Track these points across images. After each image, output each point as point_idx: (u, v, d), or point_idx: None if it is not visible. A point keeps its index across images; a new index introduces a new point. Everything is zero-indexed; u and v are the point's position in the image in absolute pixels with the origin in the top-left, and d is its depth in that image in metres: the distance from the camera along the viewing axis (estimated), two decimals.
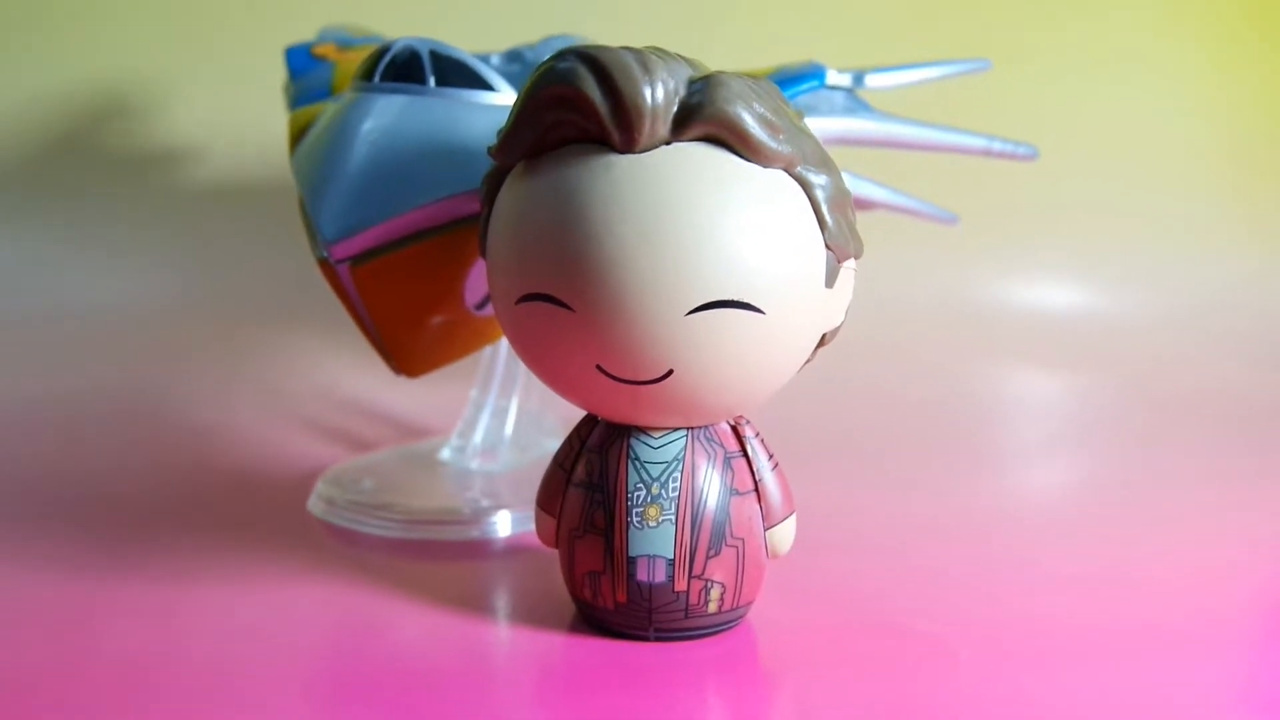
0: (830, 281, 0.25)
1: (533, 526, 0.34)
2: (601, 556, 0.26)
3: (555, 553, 0.29)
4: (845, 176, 0.36)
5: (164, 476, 0.40)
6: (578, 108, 0.24)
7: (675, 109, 0.24)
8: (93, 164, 0.59)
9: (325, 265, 0.31)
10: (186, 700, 0.25)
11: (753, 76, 0.29)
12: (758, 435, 0.28)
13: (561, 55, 0.24)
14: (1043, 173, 0.57)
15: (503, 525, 0.35)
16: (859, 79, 0.36)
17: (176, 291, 0.56)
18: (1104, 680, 0.26)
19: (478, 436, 0.38)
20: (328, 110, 0.33)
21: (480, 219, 0.27)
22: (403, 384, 0.51)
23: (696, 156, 0.24)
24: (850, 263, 0.26)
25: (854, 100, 0.36)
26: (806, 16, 0.63)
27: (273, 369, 0.52)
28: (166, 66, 0.60)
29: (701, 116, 0.24)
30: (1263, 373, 0.58)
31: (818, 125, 0.35)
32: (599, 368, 0.25)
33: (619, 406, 0.26)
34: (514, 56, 0.40)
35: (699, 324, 0.24)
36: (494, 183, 0.27)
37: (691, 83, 0.24)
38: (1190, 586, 0.33)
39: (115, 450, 0.43)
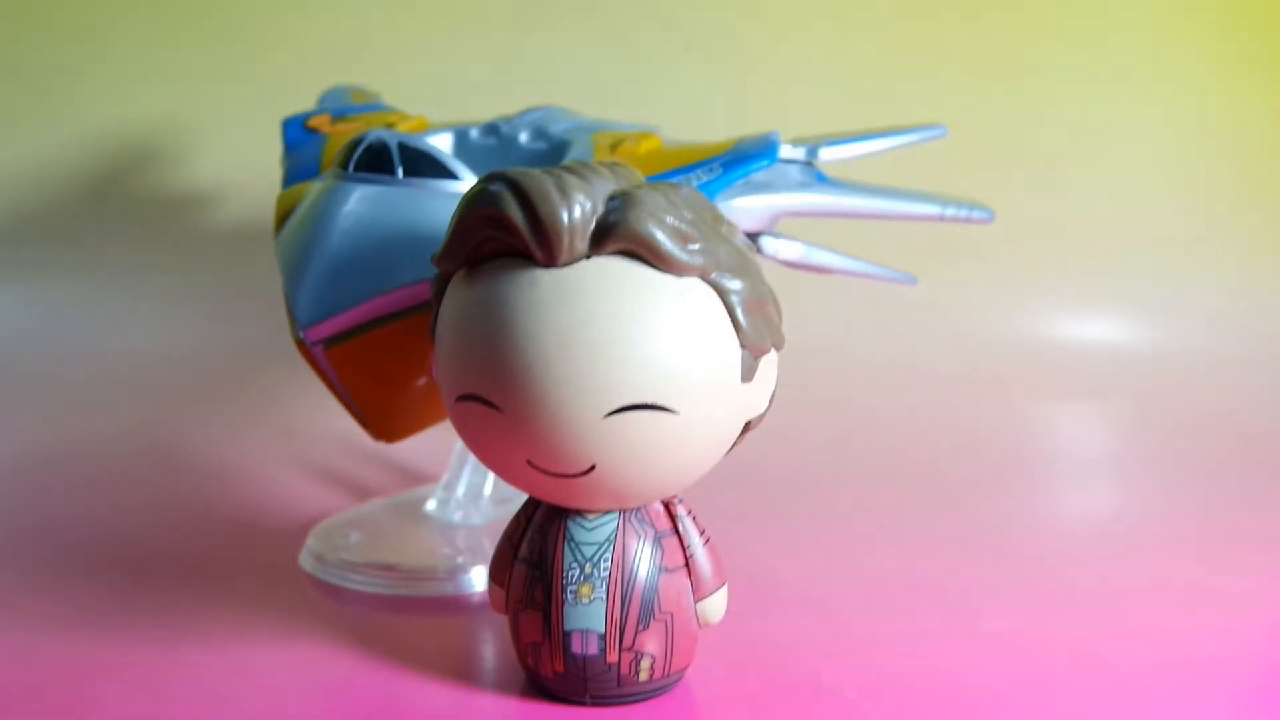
0: (748, 376, 0.27)
1: None
2: (541, 629, 0.29)
3: None
4: (801, 246, 0.38)
5: (166, 522, 0.43)
6: (504, 227, 0.26)
7: (593, 227, 0.26)
8: (113, 210, 0.63)
9: (302, 346, 0.33)
10: None
11: (686, 158, 0.32)
12: (690, 513, 0.30)
13: (490, 178, 0.26)
14: (1079, 205, 0.58)
15: (478, 580, 0.37)
16: (813, 152, 0.38)
17: (197, 335, 0.59)
18: None
19: (460, 490, 0.41)
20: (309, 195, 0.35)
21: (432, 314, 0.30)
22: None
23: (612, 270, 0.26)
24: (771, 355, 0.28)
25: (808, 172, 0.38)
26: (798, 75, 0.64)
27: (292, 413, 0.55)
28: (189, 114, 0.63)
29: (616, 234, 0.26)
30: None
31: (771, 201, 0.37)
32: (529, 462, 0.27)
33: (552, 494, 0.28)
34: (491, 130, 0.42)
35: (617, 424, 0.26)
36: (441, 285, 0.29)
37: (610, 199, 0.26)
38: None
39: (123, 495, 0.45)
